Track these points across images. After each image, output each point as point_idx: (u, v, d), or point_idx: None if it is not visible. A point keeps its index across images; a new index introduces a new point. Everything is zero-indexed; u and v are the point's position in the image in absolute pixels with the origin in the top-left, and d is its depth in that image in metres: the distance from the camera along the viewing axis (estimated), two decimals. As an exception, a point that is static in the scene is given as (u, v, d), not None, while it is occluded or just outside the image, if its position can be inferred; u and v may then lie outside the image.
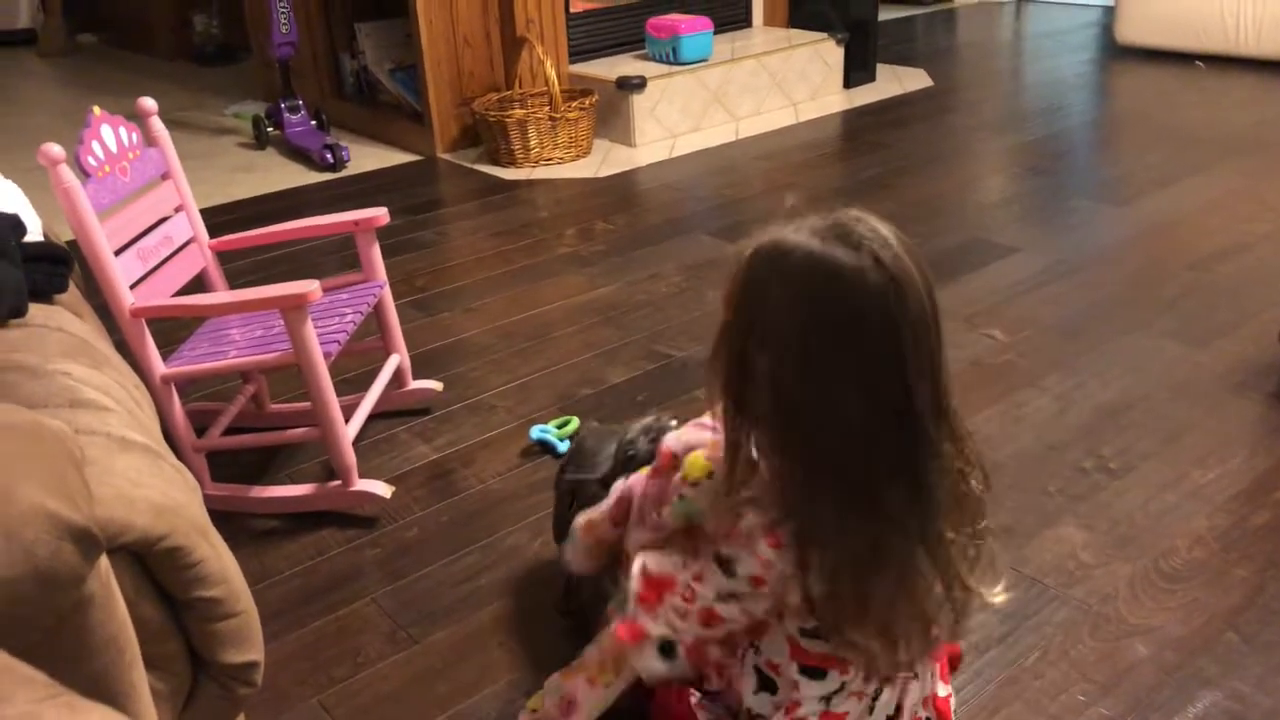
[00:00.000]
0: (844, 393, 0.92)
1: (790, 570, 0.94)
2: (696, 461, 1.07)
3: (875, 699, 1.03)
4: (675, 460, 1.08)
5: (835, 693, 1.01)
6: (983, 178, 3.40)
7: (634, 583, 1.06)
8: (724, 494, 1.00)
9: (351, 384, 2.15)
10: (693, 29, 3.82)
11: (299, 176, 3.65)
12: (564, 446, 1.92)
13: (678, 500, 1.09)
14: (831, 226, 0.94)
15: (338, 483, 1.75)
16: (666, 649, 1.04)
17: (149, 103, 1.83)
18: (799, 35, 4.23)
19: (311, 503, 1.77)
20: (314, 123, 3.94)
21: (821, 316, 0.91)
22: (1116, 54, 4.73)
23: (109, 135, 1.73)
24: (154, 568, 0.90)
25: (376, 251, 1.96)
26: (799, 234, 0.94)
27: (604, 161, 3.63)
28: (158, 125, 1.84)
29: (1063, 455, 1.84)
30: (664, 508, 1.09)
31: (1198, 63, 4.43)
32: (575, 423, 1.96)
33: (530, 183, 3.47)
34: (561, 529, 1.49)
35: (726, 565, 0.98)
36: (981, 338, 2.26)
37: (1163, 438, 1.88)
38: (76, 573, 0.70)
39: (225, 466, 1.87)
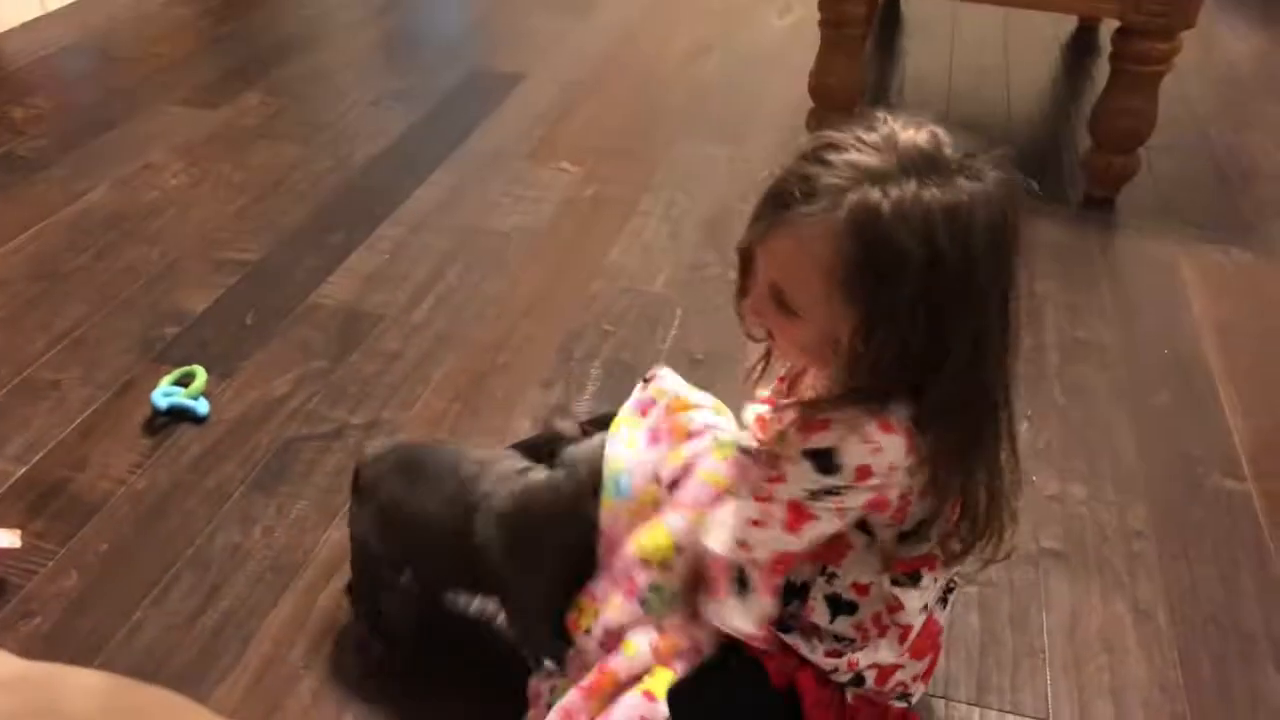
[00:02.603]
0: (993, 297, 0.84)
1: (902, 458, 0.85)
2: (655, 541, 0.94)
3: (949, 591, 1.01)
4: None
5: (930, 594, 0.96)
6: (425, 3, 3.20)
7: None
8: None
9: None
10: None
11: None
12: (203, 406, 1.50)
13: (651, 593, 0.93)
14: (905, 154, 0.81)
15: (-76, 554, 1.19)
16: (741, 582, 0.89)
17: None
18: None
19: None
20: None
21: (991, 248, 0.82)
22: None
23: None
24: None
25: None
26: (895, 188, 0.79)
27: (-47, 27, 2.74)
28: None
29: (703, 273, 1.89)
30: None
31: None
32: (202, 375, 1.53)
33: None
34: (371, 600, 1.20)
35: (825, 458, 0.84)
36: (557, 173, 2.19)
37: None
38: None
39: None
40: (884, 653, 0.96)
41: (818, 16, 2.16)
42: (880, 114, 0.84)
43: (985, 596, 1.28)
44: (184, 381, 1.54)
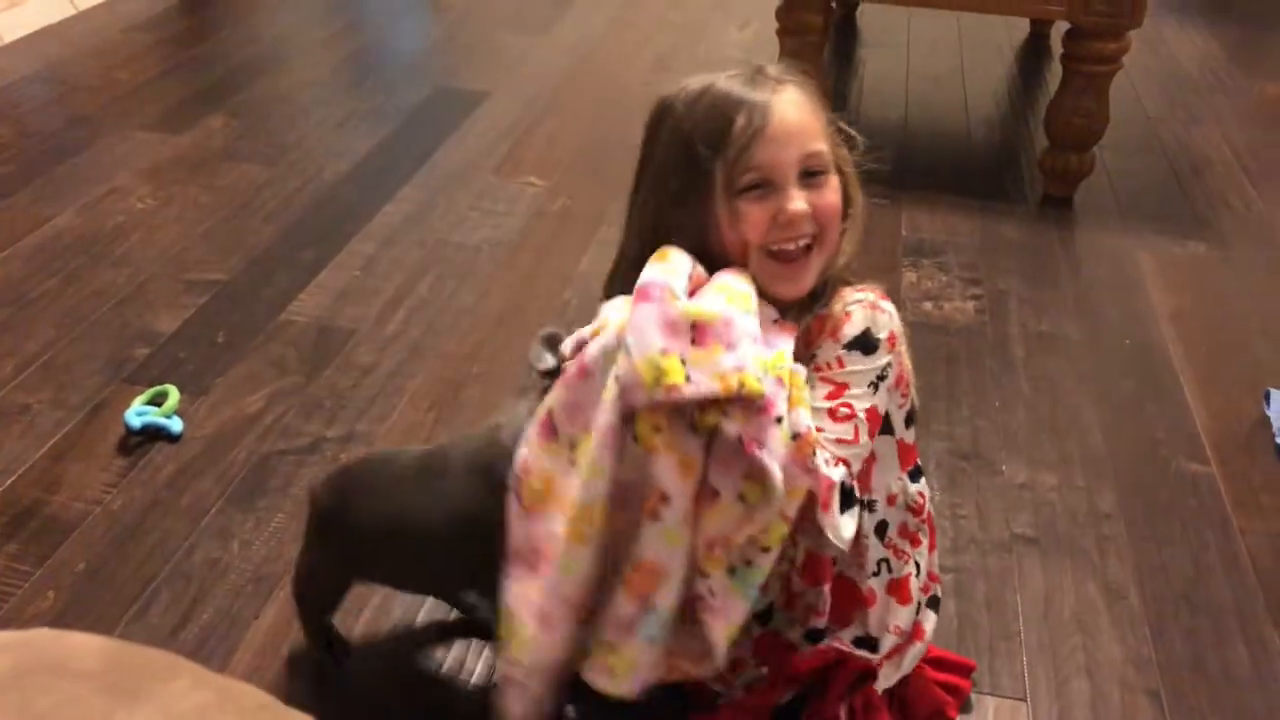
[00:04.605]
0: None
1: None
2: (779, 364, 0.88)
3: None
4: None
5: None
6: (387, 24, 3.22)
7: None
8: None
9: None
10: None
11: None
12: (177, 425, 1.50)
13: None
14: None
15: (-102, 578, 1.18)
16: (848, 496, 0.91)
17: None
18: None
19: None
20: None
21: None
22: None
23: None
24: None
25: None
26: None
27: (-90, 59, 2.72)
28: None
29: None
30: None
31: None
32: (174, 395, 1.53)
33: None
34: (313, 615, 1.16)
35: (864, 340, 0.92)
36: (524, 187, 2.21)
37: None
38: None
39: None
40: (926, 557, 1.06)
41: (775, 27, 2.21)
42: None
43: (960, 582, 1.30)
44: (157, 401, 1.54)
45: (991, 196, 2.19)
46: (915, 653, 1.07)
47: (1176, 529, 1.40)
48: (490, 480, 0.96)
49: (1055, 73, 2.16)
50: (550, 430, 0.91)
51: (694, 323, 0.84)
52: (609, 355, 0.87)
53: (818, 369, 0.93)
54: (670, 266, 0.90)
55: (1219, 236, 2.06)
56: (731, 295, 0.88)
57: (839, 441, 0.91)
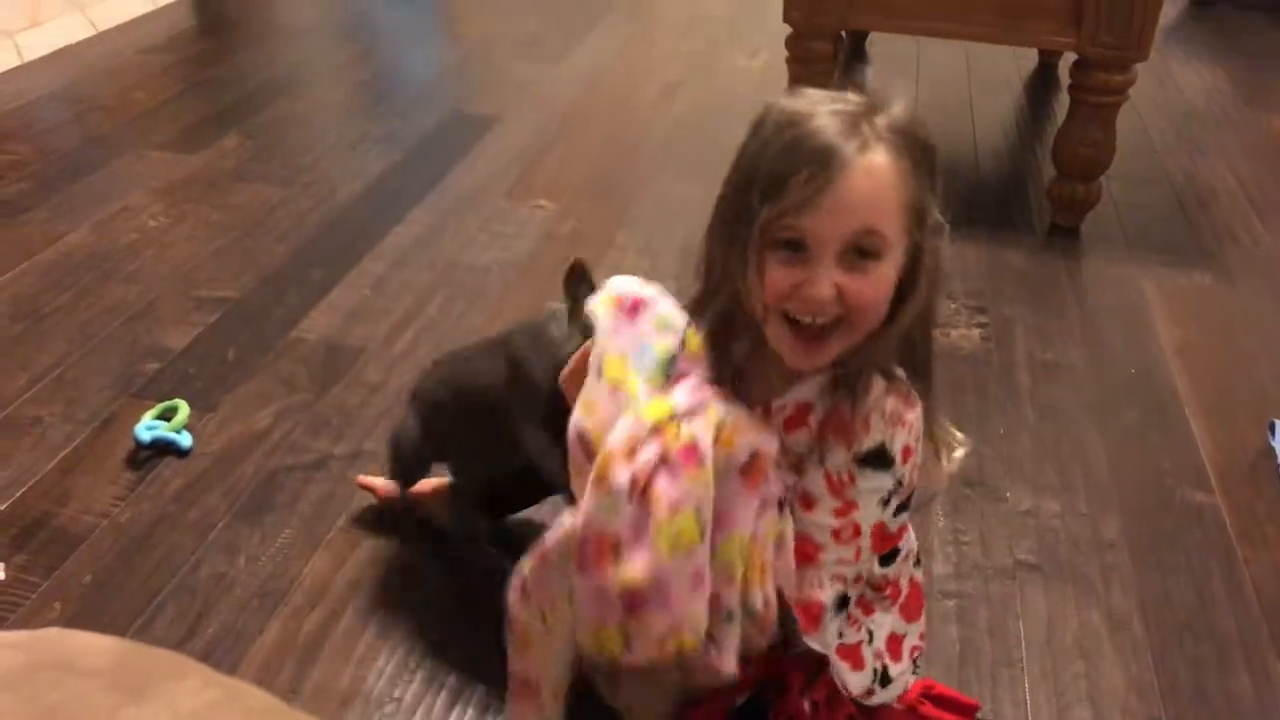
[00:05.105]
0: None
1: (920, 425, 0.89)
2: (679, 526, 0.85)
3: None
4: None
5: (906, 564, 1.01)
6: (401, 51, 3.26)
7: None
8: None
9: None
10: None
11: None
12: (186, 439, 1.51)
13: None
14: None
15: (-93, 587, 1.19)
16: (843, 603, 0.91)
17: None
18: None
19: (-121, 629, 1.18)
20: None
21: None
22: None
23: None
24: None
25: None
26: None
27: (-69, 77, 2.76)
28: None
29: (682, 303, 1.92)
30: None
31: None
32: (184, 410, 1.54)
33: None
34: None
35: (878, 456, 0.87)
36: (534, 210, 2.23)
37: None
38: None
39: None
40: (886, 625, 1.00)
41: (785, 56, 2.23)
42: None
43: (963, 608, 1.30)
44: (166, 416, 1.55)
45: (999, 225, 2.20)
46: (893, 690, 1.03)
47: (1180, 558, 1.40)
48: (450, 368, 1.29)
49: (1063, 104, 2.18)
50: (525, 593, 0.96)
51: (622, 592, 0.84)
52: (564, 551, 0.90)
53: (827, 476, 0.89)
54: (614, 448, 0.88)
55: (1225, 268, 2.07)
56: (668, 535, 0.84)
57: (840, 562, 0.91)
